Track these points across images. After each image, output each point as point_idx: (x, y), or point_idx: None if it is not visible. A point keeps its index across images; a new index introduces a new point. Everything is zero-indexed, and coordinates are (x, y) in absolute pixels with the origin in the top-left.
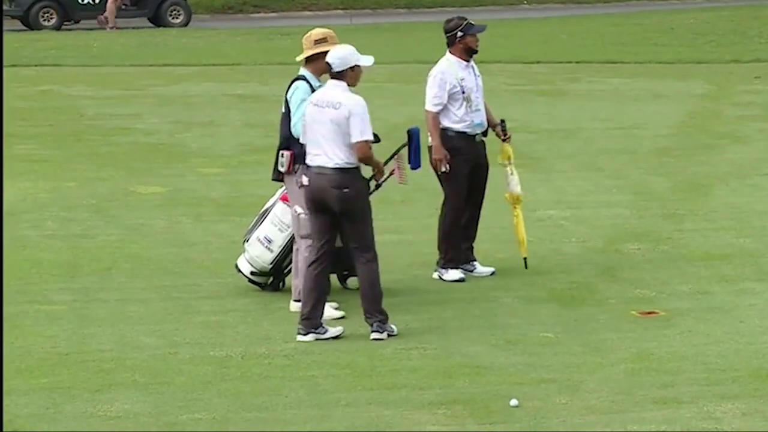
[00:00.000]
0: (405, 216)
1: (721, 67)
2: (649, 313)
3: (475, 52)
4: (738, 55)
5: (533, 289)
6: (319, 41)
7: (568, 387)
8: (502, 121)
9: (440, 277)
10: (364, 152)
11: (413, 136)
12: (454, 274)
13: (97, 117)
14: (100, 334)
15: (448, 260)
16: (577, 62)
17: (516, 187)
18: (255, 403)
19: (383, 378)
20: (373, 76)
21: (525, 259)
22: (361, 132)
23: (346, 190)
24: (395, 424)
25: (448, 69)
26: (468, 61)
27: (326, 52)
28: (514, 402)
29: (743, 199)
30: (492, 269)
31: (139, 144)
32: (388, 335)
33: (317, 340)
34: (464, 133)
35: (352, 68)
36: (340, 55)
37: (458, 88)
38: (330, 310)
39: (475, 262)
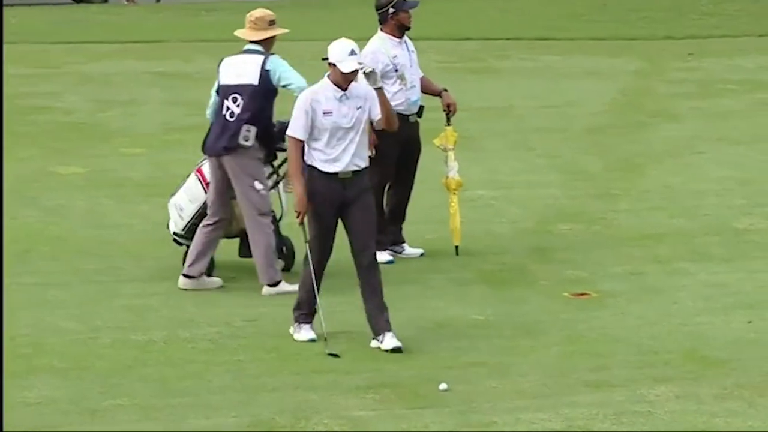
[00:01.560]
0: None
1: (655, 44)
2: (582, 294)
3: (408, 28)
4: (671, 31)
5: (463, 270)
6: (272, 23)
7: (499, 370)
8: (448, 106)
9: None
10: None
11: None
12: (382, 256)
13: (16, 96)
14: (17, 319)
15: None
16: (507, 39)
17: (456, 173)
18: (178, 388)
19: (310, 362)
20: (301, 53)
21: (456, 247)
22: (290, 125)
23: None
24: (322, 408)
25: (380, 47)
26: (400, 37)
27: (274, 36)
28: (443, 386)
29: (677, 179)
30: (421, 251)
31: (59, 123)
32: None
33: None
34: (398, 113)
35: (330, 63)
36: (331, 47)
37: (391, 66)
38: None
39: (404, 244)
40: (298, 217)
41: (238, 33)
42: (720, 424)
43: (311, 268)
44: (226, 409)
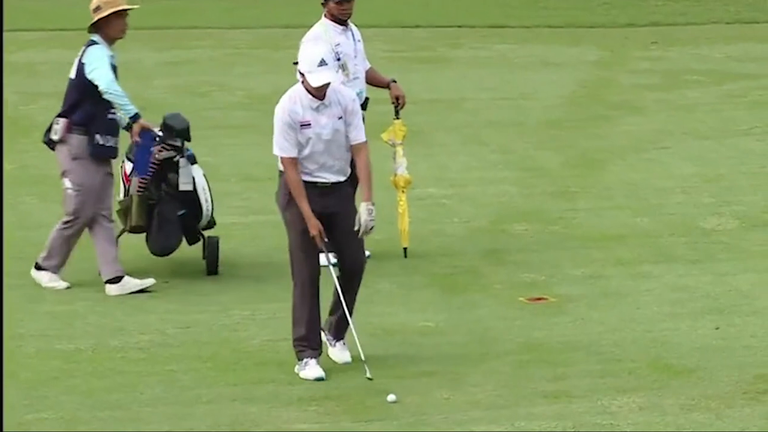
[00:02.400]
0: (272, 194)
1: (616, 32)
2: (539, 299)
3: (342, 21)
4: (634, 18)
5: (413, 274)
6: (95, 9)
7: (451, 380)
8: (397, 98)
9: None
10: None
11: (143, 140)
12: (322, 258)
13: None
14: None
15: None
16: (459, 26)
17: (405, 170)
18: (108, 401)
19: (248, 372)
20: (236, 42)
21: (405, 249)
22: (277, 143)
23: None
24: (262, 422)
25: (322, 34)
26: (343, 25)
27: (111, 15)
28: (392, 397)
29: (640, 175)
30: (367, 253)
31: None
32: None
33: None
34: None
35: (300, 72)
36: (302, 56)
37: (332, 55)
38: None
39: None
40: (314, 238)
41: None
42: None
43: (302, 286)
44: (158, 422)
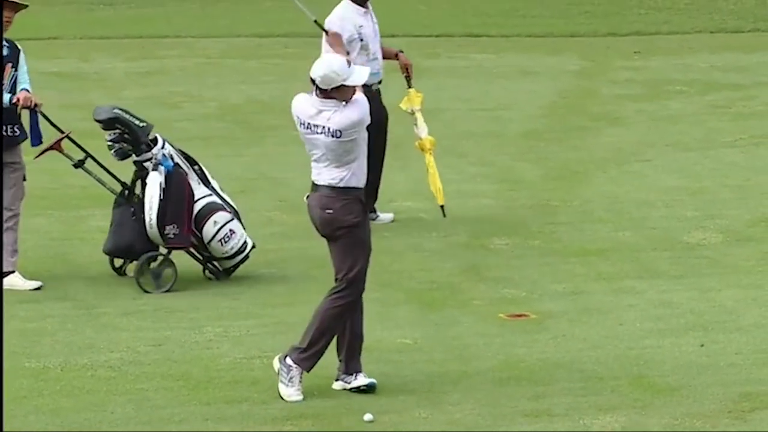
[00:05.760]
0: (244, 208)
1: (597, 41)
2: (519, 315)
3: (363, 2)
4: (615, 27)
5: (389, 289)
6: None
7: (429, 399)
8: (406, 67)
9: None
10: None
11: (31, 114)
12: None
13: None
14: None
15: None
16: (436, 36)
17: (427, 133)
18: (77, 421)
19: (221, 391)
20: (208, 51)
21: (442, 207)
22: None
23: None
24: None
25: (347, 15)
26: (365, 6)
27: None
28: (368, 417)
29: (622, 188)
30: (390, 216)
31: None
32: (289, 380)
33: None
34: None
35: (337, 88)
36: (321, 72)
37: (356, 36)
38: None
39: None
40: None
41: None
42: None
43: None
44: None
